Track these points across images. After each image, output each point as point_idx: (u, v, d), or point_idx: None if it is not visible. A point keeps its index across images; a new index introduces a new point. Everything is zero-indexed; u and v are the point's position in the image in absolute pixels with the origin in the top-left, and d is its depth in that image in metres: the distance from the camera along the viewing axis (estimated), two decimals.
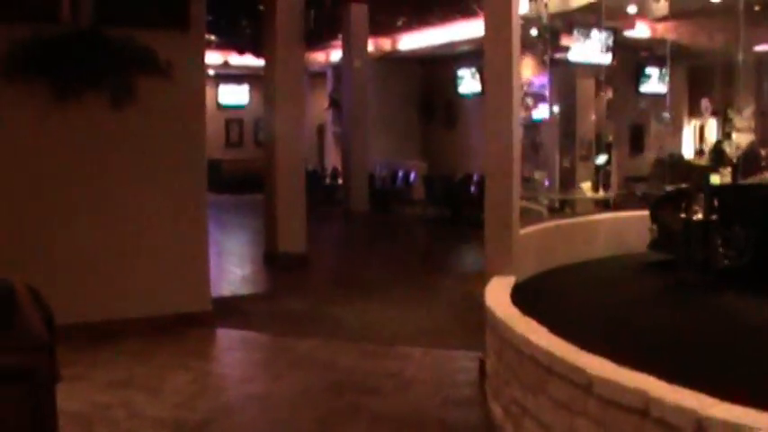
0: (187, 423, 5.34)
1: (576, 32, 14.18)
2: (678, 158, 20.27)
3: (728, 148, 19.34)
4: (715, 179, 10.83)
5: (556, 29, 15.12)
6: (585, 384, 3.91)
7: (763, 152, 18.36)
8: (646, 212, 7.87)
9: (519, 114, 6.46)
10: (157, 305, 7.72)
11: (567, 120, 15.39)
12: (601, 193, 9.71)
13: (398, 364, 6.88)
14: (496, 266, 6.30)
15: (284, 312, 8.91)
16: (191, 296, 7.94)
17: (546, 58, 13.07)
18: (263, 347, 7.43)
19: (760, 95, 20.31)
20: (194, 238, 7.95)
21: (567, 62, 14.45)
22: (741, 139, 20.31)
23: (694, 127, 21.86)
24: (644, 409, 3.57)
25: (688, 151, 21.12)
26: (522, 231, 6.64)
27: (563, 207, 9.58)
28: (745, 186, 7.20)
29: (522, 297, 5.69)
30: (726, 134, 20.43)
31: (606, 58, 14.61)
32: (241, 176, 23.75)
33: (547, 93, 11.58)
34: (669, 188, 8.70)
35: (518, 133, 6.39)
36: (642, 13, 15.70)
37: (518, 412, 4.73)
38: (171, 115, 7.66)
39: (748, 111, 20.40)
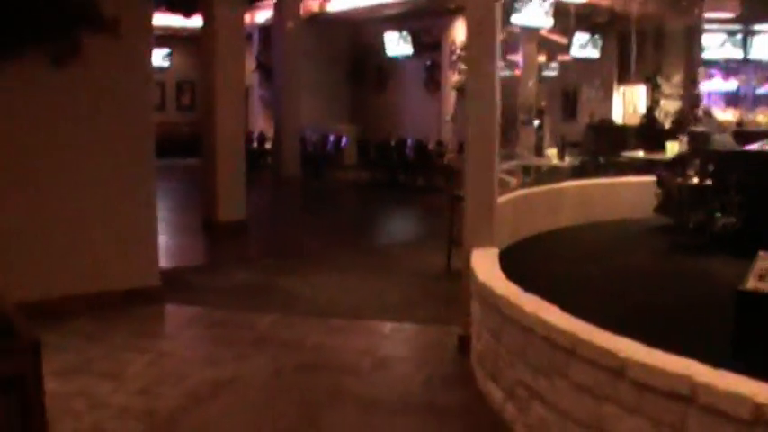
0: (157, 413, 4.89)
1: None
2: (610, 123, 20.33)
3: (659, 115, 19.45)
4: (673, 147, 10.72)
5: None
6: (617, 368, 3.63)
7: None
8: (609, 180, 7.67)
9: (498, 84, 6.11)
10: (104, 280, 7.19)
11: (510, 84, 15.12)
12: (567, 161, 9.47)
13: (370, 340, 6.53)
14: (477, 238, 5.98)
15: (234, 285, 8.44)
16: (139, 270, 7.42)
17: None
18: (219, 324, 6.94)
19: (689, 63, 20.44)
20: (142, 207, 7.40)
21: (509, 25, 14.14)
22: (669, 105, 20.48)
23: (623, 93, 21.89)
24: (689, 395, 3.30)
25: (618, 117, 21.19)
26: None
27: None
28: (741, 153, 7.05)
29: (508, 269, 5.39)
30: (654, 101, 20.56)
31: (548, 22, 14.35)
32: (164, 141, 22.85)
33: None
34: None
35: (498, 102, 6.05)
36: None
37: (525, 395, 4.43)
38: (117, 76, 7.06)
39: (677, 78, 20.55)
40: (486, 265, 5.41)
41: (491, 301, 4.84)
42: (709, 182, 6.03)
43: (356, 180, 18.69)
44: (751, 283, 4.22)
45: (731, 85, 21.23)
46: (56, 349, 5.96)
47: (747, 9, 18.21)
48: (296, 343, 6.33)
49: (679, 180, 6.20)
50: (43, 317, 6.59)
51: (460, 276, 8.21)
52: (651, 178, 7.10)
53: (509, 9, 13.88)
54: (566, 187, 7.96)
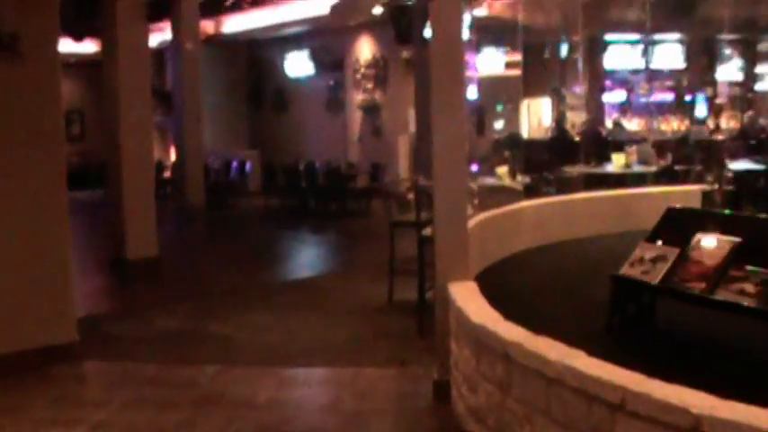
0: None
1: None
2: (518, 137, 20.05)
3: (568, 126, 19.30)
4: (619, 159, 10.40)
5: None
6: (689, 427, 3.01)
7: (603, 132, 18.44)
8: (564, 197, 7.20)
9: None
10: (11, 339, 6.20)
11: (425, 101, 14.56)
12: (519, 179, 8.96)
13: (329, 392, 5.81)
14: (450, 270, 5.33)
15: (160, 333, 7.55)
16: (53, 324, 6.48)
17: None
18: (154, 382, 6.05)
19: (593, 75, 20.44)
20: (54, 251, 6.49)
21: (423, 40, 13.60)
22: (575, 117, 20.39)
23: (527, 106, 21.74)
24: None
25: (525, 131, 20.98)
26: None
27: None
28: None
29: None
30: (560, 112, 20.44)
31: (465, 35, 13.84)
32: None
33: None
34: None
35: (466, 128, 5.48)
36: None
37: None
38: (20, 102, 6.15)
39: (582, 89, 20.50)
40: (472, 303, 4.75)
41: (495, 346, 4.17)
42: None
43: (264, 207, 17.85)
44: (624, 269, 4.57)
45: (622, 95, 21.37)
46: None
47: (650, 19, 18.30)
48: (247, 401, 5.53)
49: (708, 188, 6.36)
50: None
51: (407, 310, 7.65)
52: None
53: (423, 22, 13.35)
54: (521, 208, 7.41)
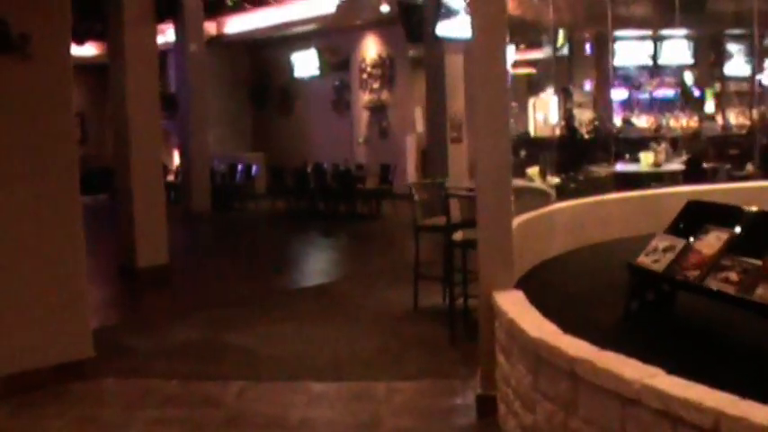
0: None
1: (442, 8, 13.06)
2: (527, 137, 19.76)
3: (576, 124, 18.99)
4: (648, 157, 10.08)
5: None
6: None
7: (614, 129, 18.13)
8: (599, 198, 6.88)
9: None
10: (25, 357, 5.87)
11: (436, 100, 14.26)
12: (550, 181, 8.62)
13: (364, 408, 5.46)
14: (495, 278, 5.01)
15: (177, 345, 7.20)
16: (68, 340, 6.14)
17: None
18: (176, 401, 5.71)
19: (600, 71, 20.10)
20: (68, 260, 6.14)
21: (435, 38, 13.32)
22: (581, 114, 20.09)
23: (533, 105, 21.51)
24: None
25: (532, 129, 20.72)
26: None
27: None
28: None
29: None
30: (568, 110, 20.13)
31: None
32: None
33: None
34: None
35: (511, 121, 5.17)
36: None
37: None
38: (31, 103, 5.82)
39: (589, 86, 20.22)
40: (525, 315, 4.42)
41: (558, 363, 3.84)
42: None
43: (271, 211, 17.54)
44: (640, 258, 4.70)
45: (624, 93, 21.06)
46: None
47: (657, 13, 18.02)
48: (279, 420, 5.20)
49: None
50: None
51: (434, 317, 7.35)
52: None
53: (434, 19, 13.07)
54: (557, 209, 7.07)
